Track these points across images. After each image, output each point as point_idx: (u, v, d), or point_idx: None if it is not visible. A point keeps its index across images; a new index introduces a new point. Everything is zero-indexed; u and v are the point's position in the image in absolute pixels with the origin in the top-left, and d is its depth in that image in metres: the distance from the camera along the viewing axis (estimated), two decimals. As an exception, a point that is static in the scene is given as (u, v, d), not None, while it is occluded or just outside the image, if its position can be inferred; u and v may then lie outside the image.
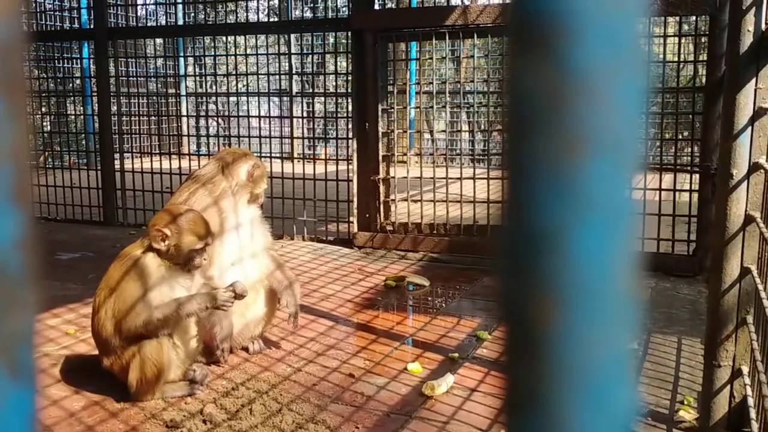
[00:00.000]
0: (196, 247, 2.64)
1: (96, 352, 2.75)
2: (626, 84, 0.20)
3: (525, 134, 0.21)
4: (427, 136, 11.21)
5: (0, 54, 0.27)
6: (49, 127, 7.70)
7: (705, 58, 4.51)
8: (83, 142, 8.36)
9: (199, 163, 6.13)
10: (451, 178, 5.19)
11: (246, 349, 3.21)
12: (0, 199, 0.27)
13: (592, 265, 0.21)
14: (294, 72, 9.51)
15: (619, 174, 0.20)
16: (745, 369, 2.27)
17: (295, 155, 10.75)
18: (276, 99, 10.55)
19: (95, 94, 6.61)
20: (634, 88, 0.20)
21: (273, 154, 6.09)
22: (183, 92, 9.89)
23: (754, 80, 2.16)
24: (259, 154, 6.53)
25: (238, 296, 2.71)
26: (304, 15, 10.55)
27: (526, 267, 0.21)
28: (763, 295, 2.07)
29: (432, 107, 5.62)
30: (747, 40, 2.15)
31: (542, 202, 0.20)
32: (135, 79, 8.73)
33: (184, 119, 9.71)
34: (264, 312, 3.21)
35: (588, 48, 0.20)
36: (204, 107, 10.47)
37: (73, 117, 7.80)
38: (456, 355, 3.13)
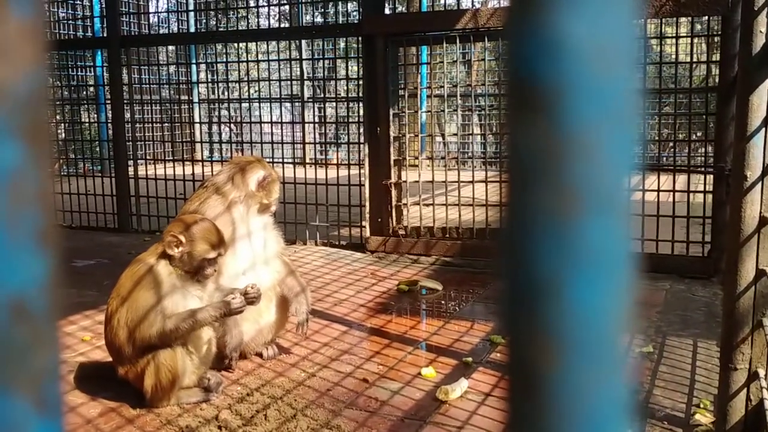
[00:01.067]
0: (208, 256, 2.66)
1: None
2: (617, 141, 0.21)
3: (525, 187, 0.22)
4: (438, 139, 11.21)
5: (26, 103, 0.29)
6: (63, 135, 7.78)
7: (718, 58, 4.49)
8: (97, 149, 8.43)
9: (212, 169, 6.16)
10: (463, 182, 5.20)
11: (260, 355, 3.23)
12: (27, 243, 0.29)
13: (590, 313, 0.22)
14: (305, 77, 9.56)
15: (613, 227, 0.21)
16: (762, 372, 2.26)
17: (307, 160, 10.78)
18: (288, 104, 10.60)
19: (109, 101, 6.67)
20: (626, 144, 0.21)
21: (285, 160, 6.12)
22: (195, 99, 9.96)
23: (767, 81, 2.15)
24: (271, 160, 6.56)
25: (250, 300, 2.73)
26: (315, 21, 10.60)
27: (527, 313, 0.22)
28: (778, 298, 2.06)
29: (443, 110, 5.63)
30: (759, 41, 2.14)
31: (541, 252, 0.21)
32: (148, 86, 8.79)
33: (197, 126, 9.78)
34: (277, 318, 3.23)
35: (580, 109, 0.21)
36: (216, 113, 10.53)
37: (87, 125, 7.88)
38: (470, 359, 3.13)
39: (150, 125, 9.08)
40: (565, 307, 0.21)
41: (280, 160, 6.25)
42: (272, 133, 6.55)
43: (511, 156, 0.21)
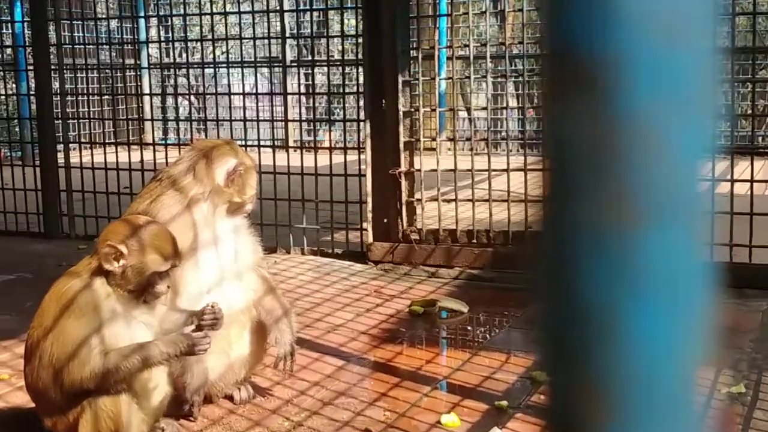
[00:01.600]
0: (159, 269, 2.66)
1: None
2: (689, 126, 0.21)
3: (567, 194, 0.22)
4: (462, 114, 11.23)
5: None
6: (-28, 112, 7.83)
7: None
8: (17, 130, 8.46)
9: (166, 155, 6.18)
10: (495, 170, 5.19)
11: (231, 398, 3.24)
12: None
13: (653, 351, 0.22)
14: (288, 35, 9.58)
15: (683, 238, 0.21)
16: None
17: (291, 143, 10.78)
18: (265, 70, 10.62)
19: (32, 67, 6.70)
20: (700, 129, 0.21)
21: (262, 142, 6.13)
22: (144, 63, 9.99)
23: None
24: (244, 144, 6.58)
25: (209, 324, 2.74)
26: (300, -41, 10.61)
27: (570, 350, 0.22)
28: None
29: (468, 77, 5.63)
30: None
31: (589, 272, 0.22)
32: (83, 47, 8.82)
33: (147, 98, 9.80)
34: (251, 350, 3.23)
35: (640, 87, 0.21)
36: (172, 82, 10.56)
37: (2, 98, 7.91)
38: (504, 403, 3.14)
39: (86, 98, 9.11)
40: (621, 342, 0.22)
41: (256, 143, 6.26)
42: (245, 108, 6.57)
43: (550, 148, 0.21)
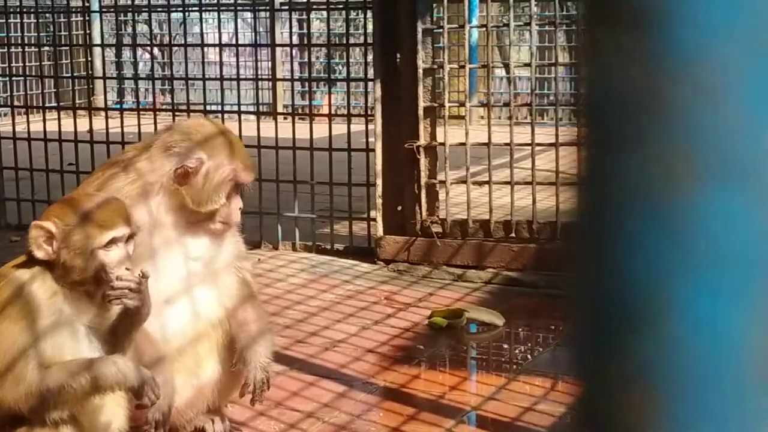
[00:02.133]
0: (101, 242, 2.67)
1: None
2: (756, 76, 0.22)
3: (609, 153, 0.23)
4: (500, 73, 11.18)
5: None
6: None
7: None
8: (-68, 89, 8.50)
9: (122, 124, 6.22)
10: (540, 144, 5.19)
11: (202, 431, 3.26)
12: None
13: (711, 346, 0.23)
14: (276, -31, 9.57)
15: (751, 210, 0.22)
16: None
17: (280, 109, 10.80)
18: (248, 15, 10.63)
19: (-49, 11, 6.71)
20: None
21: (243, 108, 6.16)
22: (95, 6, 10.01)
23: None
24: (220, 110, 6.58)
25: (119, 296, 2.75)
26: None
27: (611, 349, 0.24)
28: None
29: (507, 25, 5.63)
30: None
31: (635, 254, 0.23)
32: (15, -16, 8.84)
33: (97, 51, 9.82)
34: (227, 372, 3.25)
35: (704, 21, 0.22)
36: (129, 30, 10.59)
37: None
38: (549, 441, 3.16)
39: (19, 51, 9.12)
40: (672, 333, 0.23)
41: (235, 107, 6.28)
42: (222, 64, 6.57)
43: (589, 97, 0.22)
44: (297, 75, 10.58)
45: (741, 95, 0.23)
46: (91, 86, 8.79)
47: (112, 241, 2.69)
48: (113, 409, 2.78)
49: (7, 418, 2.62)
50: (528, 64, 5.39)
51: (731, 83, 0.23)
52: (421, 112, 5.23)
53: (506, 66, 7.18)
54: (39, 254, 2.66)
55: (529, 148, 5.20)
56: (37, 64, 9.39)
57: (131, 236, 2.75)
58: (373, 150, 5.38)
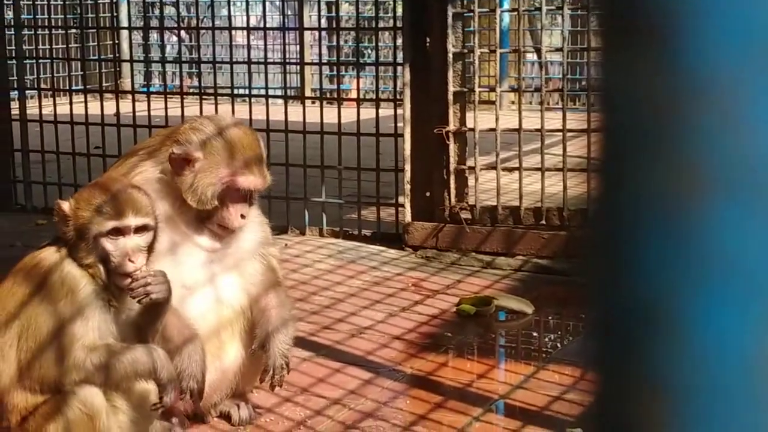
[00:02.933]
0: (101, 229, 2.70)
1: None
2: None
3: (626, 164, 0.24)
4: (531, 58, 11.13)
5: None
6: None
7: None
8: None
9: (149, 107, 6.25)
10: (571, 131, 5.18)
11: (227, 417, 3.29)
12: None
13: (721, 352, 0.24)
14: (305, -49, 9.56)
15: (762, 220, 0.23)
16: None
17: (308, 93, 10.79)
18: (275, -3, 10.62)
19: (-22, -7, 6.74)
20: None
21: (271, 92, 6.17)
22: (121, -12, 10.05)
23: None
24: (247, 93, 6.61)
25: (143, 293, 2.76)
26: None
27: (625, 353, 0.24)
28: None
29: (539, 9, 5.60)
30: None
31: (649, 261, 0.23)
32: (43, -34, 8.89)
33: (125, 34, 9.86)
34: (251, 358, 3.27)
35: (711, 41, 0.22)
36: (156, 13, 10.62)
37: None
38: (578, 430, 3.15)
39: (47, 33, 9.18)
40: (685, 340, 0.23)
41: (263, 92, 6.30)
42: (250, 47, 6.59)
43: (605, 108, 0.23)
44: (325, 59, 10.58)
45: (754, 110, 0.24)
46: (118, 69, 8.82)
47: (117, 231, 2.71)
48: (145, 391, 2.83)
49: (51, 390, 2.68)
50: (560, 49, 5.37)
51: (744, 98, 0.24)
52: (450, 97, 5.22)
53: (538, 50, 7.16)
54: (60, 231, 2.72)
55: (561, 134, 5.19)
56: (64, 46, 9.45)
57: (144, 228, 2.75)
58: (402, 135, 5.38)
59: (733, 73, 0.24)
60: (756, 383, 0.25)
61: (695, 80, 0.24)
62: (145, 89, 8.30)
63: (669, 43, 0.24)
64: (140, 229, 2.75)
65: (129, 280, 2.70)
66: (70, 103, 6.51)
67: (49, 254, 2.76)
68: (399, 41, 5.62)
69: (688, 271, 0.25)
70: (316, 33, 9.88)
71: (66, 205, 2.72)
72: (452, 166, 5.28)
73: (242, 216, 3.13)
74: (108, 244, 2.70)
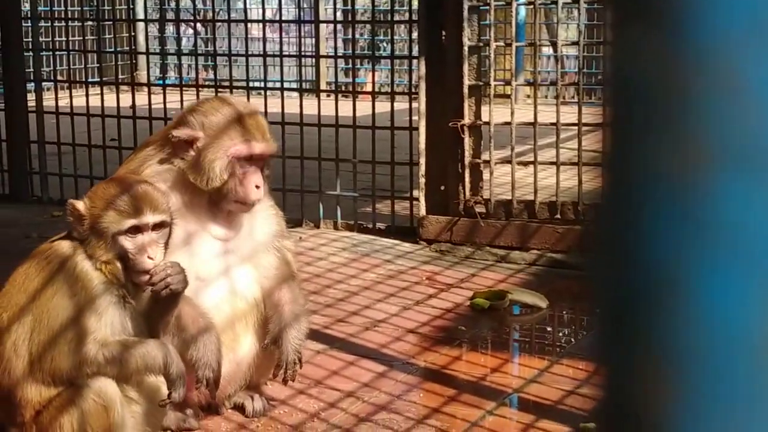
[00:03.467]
0: (119, 228, 2.71)
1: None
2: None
3: (632, 138, 0.24)
4: (547, 52, 11.11)
5: None
6: None
7: None
8: (-24, 64, 8.59)
9: (164, 99, 6.26)
10: (587, 125, 5.16)
11: (241, 409, 3.30)
12: None
13: (725, 323, 0.24)
14: (321, -56, 9.57)
15: (767, 194, 0.23)
16: None
17: (324, 86, 10.80)
18: (291, -10, 10.62)
19: (-5, -15, 6.76)
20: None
21: (286, 84, 6.18)
22: (137, -20, 10.07)
23: None
24: (262, 86, 6.62)
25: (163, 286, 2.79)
26: None
27: (631, 327, 0.24)
28: None
29: (555, 2, 5.59)
30: None
31: (655, 235, 0.23)
32: (59, -42, 8.91)
33: (141, 26, 9.87)
34: (265, 350, 3.28)
35: (717, 17, 0.23)
36: (172, 5, 10.62)
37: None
38: (592, 425, 3.14)
39: (63, 24, 9.20)
40: (690, 312, 0.23)
41: (278, 84, 6.30)
42: (265, 40, 6.60)
43: (613, 88, 0.23)
44: (341, 52, 10.57)
45: (759, 85, 0.24)
46: (134, 62, 8.86)
47: (136, 229, 2.72)
48: (159, 383, 2.85)
49: (62, 383, 2.69)
50: (576, 43, 5.36)
51: (750, 73, 0.24)
52: (466, 90, 5.22)
53: (554, 44, 7.13)
54: (74, 230, 2.72)
55: (576, 128, 5.17)
56: (81, 38, 9.45)
57: (161, 224, 2.76)
58: (417, 128, 5.38)
59: (738, 48, 0.24)
60: (759, 354, 0.25)
61: (701, 56, 0.24)
62: (160, 82, 8.32)
63: (675, 18, 0.24)
64: (158, 226, 2.76)
65: (147, 276, 2.72)
66: (86, 95, 6.53)
67: (62, 249, 2.76)
68: (414, 34, 5.61)
69: (693, 244, 0.25)
70: (332, 26, 9.88)
71: (80, 205, 2.72)
72: (467, 159, 5.27)
73: (257, 186, 3.11)
74: (126, 242, 2.71)
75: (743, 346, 0.25)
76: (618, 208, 0.25)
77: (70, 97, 6.57)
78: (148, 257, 2.72)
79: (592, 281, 0.27)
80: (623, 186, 0.25)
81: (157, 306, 2.83)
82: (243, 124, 3.13)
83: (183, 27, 10.90)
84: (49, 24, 7.76)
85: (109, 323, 2.70)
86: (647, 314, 0.25)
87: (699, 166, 0.24)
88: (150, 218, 2.73)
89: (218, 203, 3.15)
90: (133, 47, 8.94)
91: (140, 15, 9.32)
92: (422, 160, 5.34)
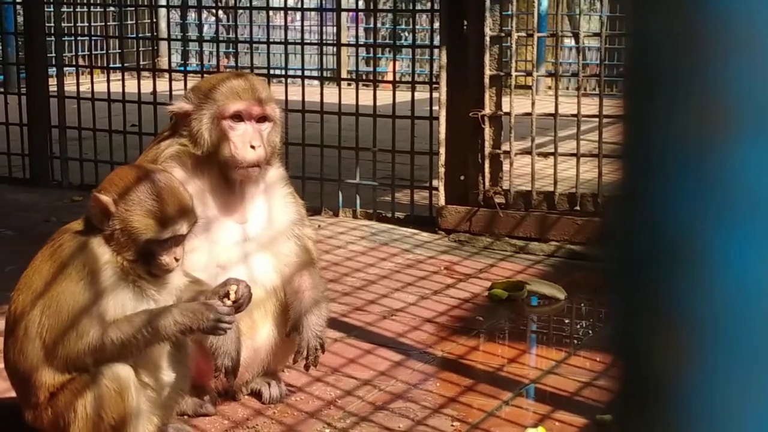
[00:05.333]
0: (158, 237, 2.71)
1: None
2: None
3: (650, 101, 0.24)
4: (569, 43, 11.07)
5: None
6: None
7: None
8: (-2, 48, 8.62)
9: (185, 86, 6.27)
10: (608, 117, 5.15)
11: (258, 395, 3.31)
12: None
13: (742, 286, 0.24)
14: (344, -68, 9.55)
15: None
16: None
17: (344, 74, 10.80)
18: (313, -22, 10.63)
19: (18, -31, 6.79)
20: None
21: (307, 73, 6.18)
22: (160, -34, 10.08)
23: None
24: (283, 74, 6.63)
25: (237, 304, 2.76)
26: None
27: (646, 288, 0.25)
28: None
29: (578, -6, 5.57)
30: None
31: (672, 196, 0.24)
32: (82, -56, 8.95)
33: (163, 12, 9.89)
34: (283, 337, 3.29)
35: None
36: (194, -8, 10.63)
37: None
38: (609, 417, 3.14)
39: (85, 10, 9.24)
40: (706, 276, 0.24)
41: (299, 72, 6.30)
42: (287, 28, 6.61)
43: (630, 53, 0.23)
44: (362, 41, 10.58)
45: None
46: (155, 48, 8.86)
47: (170, 238, 2.72)
48: (175, 368, 2.85)
49: (73, 368, 2.69)
50: (598, 34, 5.34)
51: (764, 35, 0.24)
52: (486, 80, 5.21)
53: (575, 35, 7.12)
54: (98, 225, 2.70)
55: (597, 119, 5.16)
56: (103, 24, 9.49)
57: (180, 234, 2.76)
58: (437, 118, 5.38)
59: (758, 12, 0.24)
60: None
61: (719, 20, 0.24)
62: (182, 68, 8.33)
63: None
64: (188, 233, 2.78)
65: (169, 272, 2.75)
66: (108, 81, 6.57)
67: (76, 234, 2.76)
68: (436, 24, 5.61)
69: (711, 208, 0.25)
70: (353, 14, 9.89)
71: (107, 201, 2.68)
72: (487, 150, 5.27)
73: (252, 147, 3.08)
74: (158, 247, 2.71)
75: (760, 309, 0.25)
76: (637, 171, 0.26)
77: (92, 82, 6.58)
78: (175, 258, 2.73)
79: (610, 248, 0.27)
80: (641, 149, 0.26)
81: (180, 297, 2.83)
82: (229, 84, 3.13)
83: (205, 14, 10.92)
84: (72, 9, 7.79)
85: (119, 309, 2.69)
86: (664, 278, 0.25)
87: (717, 129, 0.25)
88: (185, 229, 2.74)
89: (228, 177, 3.15)
90: (155, 33, 8.94)
91: (162, 1, 9.31)
92: (442, 150, 5.34)
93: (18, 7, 7.06)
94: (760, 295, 0.25)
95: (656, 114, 0.25)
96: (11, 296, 2.84)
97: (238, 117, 3.10)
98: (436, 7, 5.71)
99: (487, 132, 5.25)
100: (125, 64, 7.31)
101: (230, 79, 3.20)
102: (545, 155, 5.33)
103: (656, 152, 0.25)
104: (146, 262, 2.72)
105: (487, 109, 5.24)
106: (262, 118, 3.15)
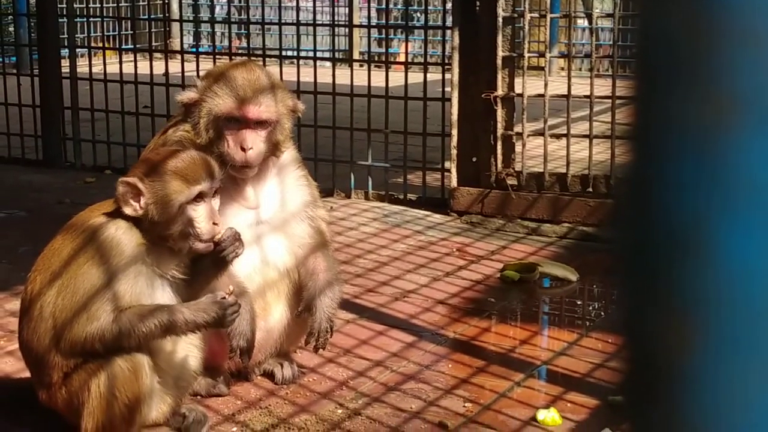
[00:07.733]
0: (187, 197, 2.73)
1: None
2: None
3: (659, 91, 0.25)
4: (582, 23, 11.02)
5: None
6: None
7: None
8: (10, 29, 8.64)
9: (197, 68, 6.28)
10: (620, 98, 5.14)
11: (270, 375, 3.33)
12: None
13: (752, 276, 0.25)
14: None
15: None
16: None
17: (356, 56, 10.78)
18: (325, -41, 10.61)
19: (30, -49, 6.80)
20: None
21: (319, 54, 6.17)
22: (172, -53, 10.07)
23: None
24: (295, 55, 6.62)
25: (221, 248, 2.78)
26: None
27: (656, 277, 0.25)
28: None
29: (591, -26, 5.55)
30: None
31: (681, 185, 0.24)
32: (94, -75, 8.94)
33: (174, -7, 9.88)
34: (295, 318, 3.30)
35: None
36: (206, -27, 10.62)
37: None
38: (621, 398, 3.15)
39: (96, -8, 9.22)
40: (711, 263, 0.24)
41: (311, 54, 6.29)
42: (299, 9, 6.59)
43: (641, 43, 0.24)
44: (374, 22, 10.56)
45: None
46: (167, 29, 8.86)
47: (200, 196, 2.74)
48: (187, 347, 2.86)
49: (81, 353, 2.70)
50: (611, 15, 5.33)
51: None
52: (499, 62, 5.20)
53: (588, 16, 7.09)
54: (127, 210, 2.71)
55: (610, 101, 5.15)
56: (115, 5, 9.50)
57: (218, 189, 2.79)
58: (449, 100, 5.37)
59: (765, 2, 0.25)
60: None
61: (727, 10, 0.25)
62: (194, 49, 8.33)
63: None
64: (216, 192, 2.80)
65: (210, 244, 2.75)
66: (120, 62, 6.56)
67: (100, 219, 2.77)
68: (448, 5, 5.60)
69: (716, 196, 0.25)
70: (366, -4, 9.87)
71: (135, 180, 2.71)
72: (499, 131, 5.26)
73: (242, 149, 3.07)
74: (192, 211, 2.73)
75: (764, 294, 0.26)
76: (646, 161, 0.26)
77: (104, 63, 6.60)
78: (214, 223, 2.75)
79: (618, 235, 0.28)
80: (648, 137, 0.26)
81: (198, 277, 2.85)
82: (233, 84, 3.11)
83: (216, -5, 10.90)
84: (84, -9, 7.78)
85: (133, 293, 2.70)
86: (671, 265, 0.26)
87: (723, 118, 0.25)
88: (213, 183, 2.77)
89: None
90: (167, 14, 8.94)
91: (174, -17, 9.33)
92: (454, 132, 5.33)
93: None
94: (762, 283, 0.26)
95: (667, 104, 0.25)
96: (28, 277, 2.85)
97: (235, 119, 3.10)
98: (448, -13, 5.69)
99: (500, 113, 5.25)
100: (137, 46, 7.32)
101: (236, 76, 3.14)
102: (558, 136, 5.32)
103: (667, 141, 0.25)
104: (184, 235, 2.73)
105: (500, 91, 5.24)
106: (260, 122, 3.15)
